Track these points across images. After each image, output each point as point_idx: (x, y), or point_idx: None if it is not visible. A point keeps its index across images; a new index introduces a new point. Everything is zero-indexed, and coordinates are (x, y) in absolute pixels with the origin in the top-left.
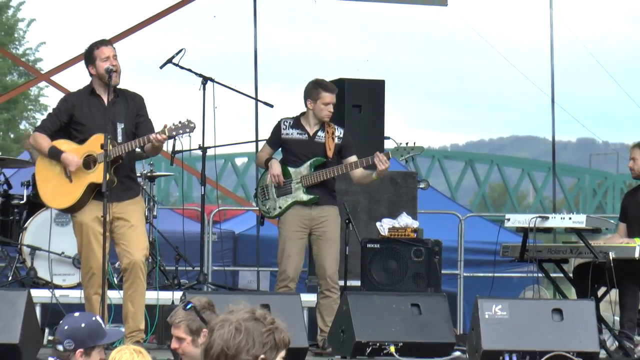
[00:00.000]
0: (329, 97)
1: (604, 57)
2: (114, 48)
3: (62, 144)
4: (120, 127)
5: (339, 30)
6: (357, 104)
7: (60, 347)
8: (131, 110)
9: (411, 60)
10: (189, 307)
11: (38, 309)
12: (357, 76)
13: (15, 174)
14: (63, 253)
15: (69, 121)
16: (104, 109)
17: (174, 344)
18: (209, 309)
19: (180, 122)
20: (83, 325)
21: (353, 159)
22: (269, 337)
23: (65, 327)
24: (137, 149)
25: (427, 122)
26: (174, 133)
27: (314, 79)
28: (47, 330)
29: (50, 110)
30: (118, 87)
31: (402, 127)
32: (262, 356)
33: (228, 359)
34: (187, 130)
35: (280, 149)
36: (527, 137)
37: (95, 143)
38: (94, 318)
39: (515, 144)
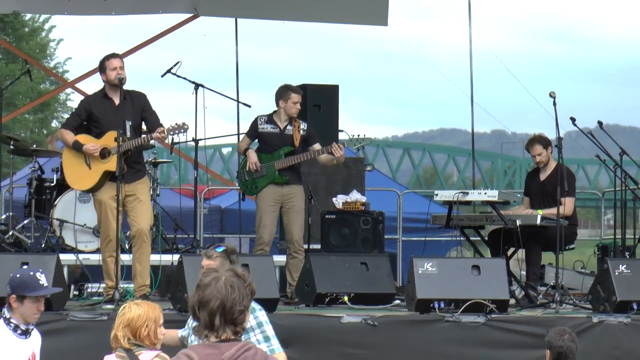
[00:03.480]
0: (297, 97)
1: (513, 64)
2: (122, 60)
3: (83, 138)
4: (128, 124)
5: (302, 45)
6: (317, 104)
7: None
8: (137, 108)
9: (360, 69)
10: (221, 249)
11: (65, 270)
12: (317, 82)
13: (47, 162)
14: (85, 225)
15: (88, 119)
16: (115, 109)
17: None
18: (235, 253)
19: (177, 124)
20: (18, 276)
21: (317, 146)
22: (249, 290)
23: (10, 275)
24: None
25: (372, 118)
26: (172, 133)
27: (283, 84)
28: (72, 287)
29: (73, 110)
30: (124, 88)
31: (352, 122)
32: (246, 305)
33: (225, 312)
34: (182, 130)
35: (256, 139)
36: (452, 129)
37: (110, 138)
38: (31, 273)
39: (443, 135)
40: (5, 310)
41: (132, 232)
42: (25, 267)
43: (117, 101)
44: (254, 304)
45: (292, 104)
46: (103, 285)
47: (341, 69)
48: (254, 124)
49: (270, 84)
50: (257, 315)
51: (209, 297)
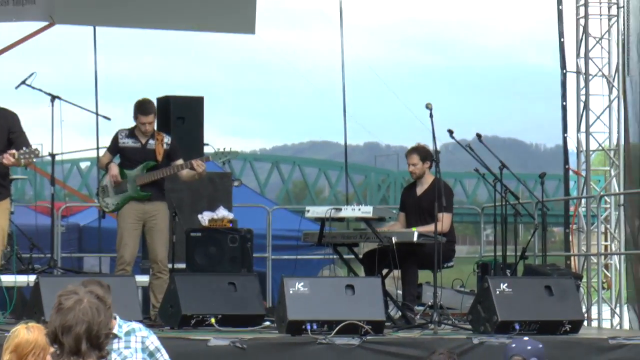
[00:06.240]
0: (143, 119)
1: (388, 74)
2: None
3: None
4: None
5: (166, 55)
6: (181, 116)
7: None
8: (2, 128)
9: (226, 80)
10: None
11: None
12: (181, 93)
13: None
14: None
15: None
16: None
17: None
18: None
19: (28, 149)
20: (540, 345)
21: (180, 162)
22: (110, 312)
23: (528, 347)
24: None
25: (239, 131)
26: (22, 158)
27: (139, 99)
28: None
29: None
30: None
31: (218, 135)
32: (110, 328)
33: (92, 336)
34: (33, 156)
35: (118, 154)
36: (323, 142)
37: None
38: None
39: (313, 147)
40: None
41: None
42: (525, 339)
43: None
44: (145, 328)
45: (140, 124)
46: None
47: (206, 80)
48: (115, 139)
49: (131, 95)
50: (152, 340)
51: (74, 321)
